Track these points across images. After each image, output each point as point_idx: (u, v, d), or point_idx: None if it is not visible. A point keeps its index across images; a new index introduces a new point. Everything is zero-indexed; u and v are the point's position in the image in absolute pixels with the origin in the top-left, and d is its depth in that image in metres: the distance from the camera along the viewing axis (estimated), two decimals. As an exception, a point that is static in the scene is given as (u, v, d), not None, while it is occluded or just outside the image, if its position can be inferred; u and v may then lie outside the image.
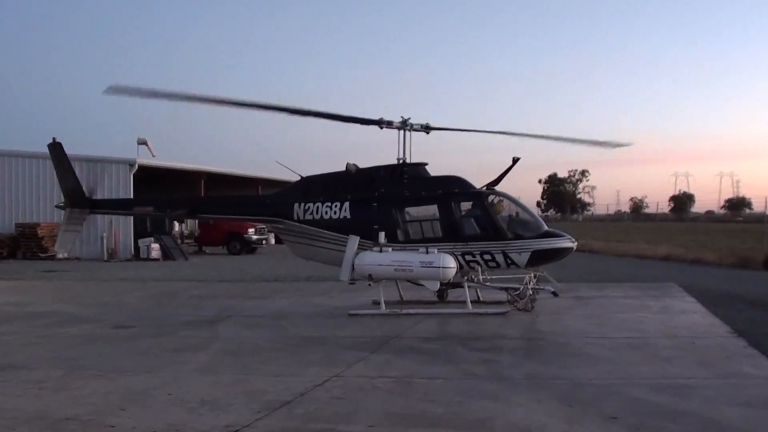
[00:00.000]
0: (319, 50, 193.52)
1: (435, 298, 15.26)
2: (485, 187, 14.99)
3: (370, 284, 14.39)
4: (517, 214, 14.94)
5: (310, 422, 7.01)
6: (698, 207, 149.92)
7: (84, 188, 16.85)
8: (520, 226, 14.58)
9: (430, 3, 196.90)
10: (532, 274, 14.49)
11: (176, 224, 43.27)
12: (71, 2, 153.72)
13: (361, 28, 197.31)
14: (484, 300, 15.23)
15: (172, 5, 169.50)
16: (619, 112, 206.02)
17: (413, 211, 15.16)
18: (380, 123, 14.98)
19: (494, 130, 16.36)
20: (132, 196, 32.38)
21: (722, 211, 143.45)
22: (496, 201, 14.72)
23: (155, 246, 33.36)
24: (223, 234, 38.02)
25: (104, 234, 33.17)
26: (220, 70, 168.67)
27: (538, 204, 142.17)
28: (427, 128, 15.37)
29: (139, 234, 34.61)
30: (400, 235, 14.64)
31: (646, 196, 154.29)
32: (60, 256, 30.60)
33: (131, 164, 34.18)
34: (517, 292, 14.38)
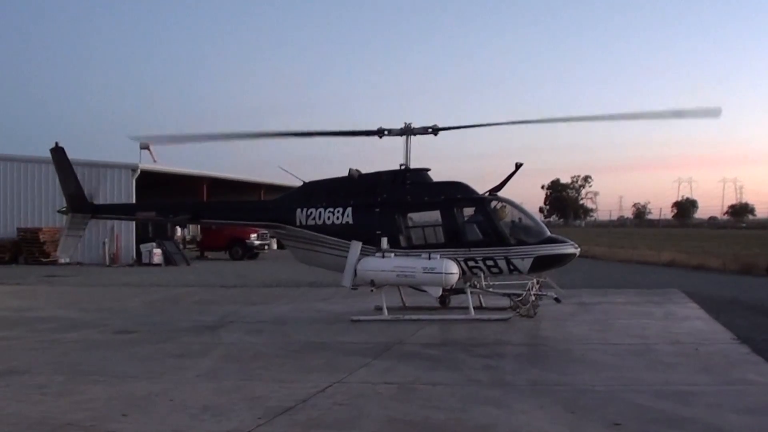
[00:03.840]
0: (321, 52, 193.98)
1: (437, 304, 15.25)
2: (488, 193, 14.97)
3: (372, 290, 14.37)
4: (519, 219, 14.88)
5: (312, 428, 6.99)
6: (701, 213, 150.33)
7: (86, 193, 16.85)
8: (522, 232, 14.54)
9: (434, 6, 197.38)
10: (535, 280, 14.47)
11: (178, 229, 43.25)
12: (73, 4, 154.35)
13: (362, 31, 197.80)
14: (487, 306, 15.19)
15: (178, 9, 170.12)
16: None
17: (416, 217, 15.12)
18: (380, 133, 14.96)
19: (504, 122, 15.94)
20: (134, 201, 32.43)
21: (725, 218, 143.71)
22: (498, 207, 14.68)
23: (157, 251, 33.28)
24: (225, 239, 37.99)
25: (106, 239, 33.21)
26: (224, 72, 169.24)
27: (541, 210, 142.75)
28: (434, 130, 14.97)
29: (141, 239, 34.60)
30: (402, 241, 14.60)
31: (649, 202, 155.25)
32: (62, 261, 30.59)
33: (134, 169, 34.21)
34: (520, 298, 14.35)
